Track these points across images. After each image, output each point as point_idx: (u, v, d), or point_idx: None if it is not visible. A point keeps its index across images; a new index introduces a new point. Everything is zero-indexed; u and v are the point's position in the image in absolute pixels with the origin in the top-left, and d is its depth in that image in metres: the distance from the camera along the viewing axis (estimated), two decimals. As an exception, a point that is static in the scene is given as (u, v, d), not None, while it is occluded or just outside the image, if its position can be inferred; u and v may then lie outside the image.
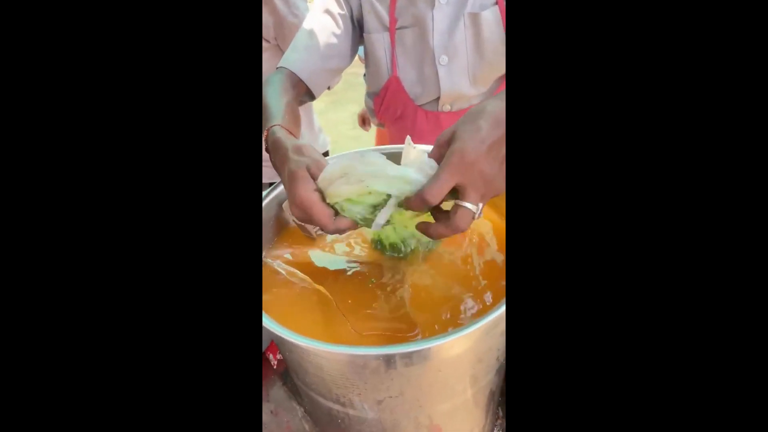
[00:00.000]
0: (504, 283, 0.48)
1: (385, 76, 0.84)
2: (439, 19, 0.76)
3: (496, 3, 0.74)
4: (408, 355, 0.36)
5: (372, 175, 0.42)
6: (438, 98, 0.83)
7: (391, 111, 0.88)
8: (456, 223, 0.40)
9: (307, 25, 0.78)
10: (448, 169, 0.38)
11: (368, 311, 0.46)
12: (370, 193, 0.43)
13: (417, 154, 0.42)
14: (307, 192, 0.44)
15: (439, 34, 0.77)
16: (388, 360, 0.37)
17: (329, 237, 0.59)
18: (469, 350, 0.41)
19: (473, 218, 0.40)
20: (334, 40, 0.77)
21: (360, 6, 0.80)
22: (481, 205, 0.40)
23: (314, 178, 0.45)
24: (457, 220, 0.39)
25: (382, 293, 0.48)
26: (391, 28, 0.79)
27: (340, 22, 0.78)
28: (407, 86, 0.84)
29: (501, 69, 0.80)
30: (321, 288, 0.50)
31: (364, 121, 1.61)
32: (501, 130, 0.39)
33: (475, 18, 0.74)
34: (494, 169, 0.39)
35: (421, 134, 0.87)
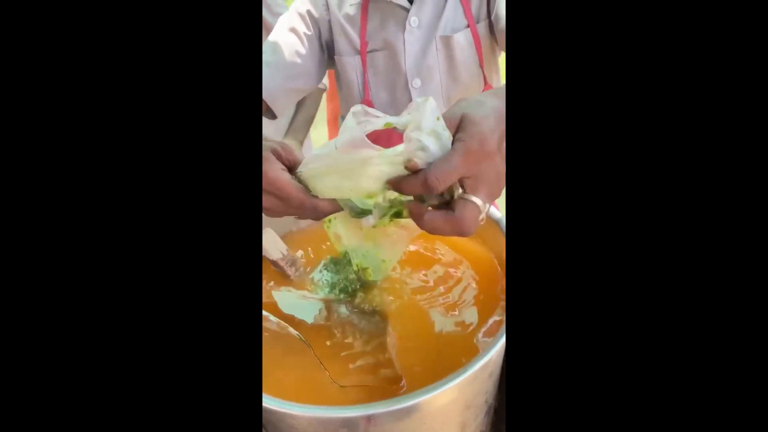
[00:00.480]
0: (494, 320, 0.46)
1: (358, 100, 0.82)
2: (410, 42, 0.75)
3: (468, 26, 0.74)
4: (391, 413, 0.33)
5: (364, 175, 0.36)
6: (412, 121, 0.82)
7: (364, 134, 0.86)
8: (462, 220, 0.32)
9: (270, 41, 0.75)
10: (466, 155, 0.32)
11: (350, 364, 0.42)
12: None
13: (433, 118, 0.33)
14: (275, 171, 0.37)
15: (411, 58, 0.76)
16: (369, 418, 0.33)
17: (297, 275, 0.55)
18: (457, 399, 0.37)
19: (480, 220, 0.33)
20: (298, 60, 0.75)
21: (330, 29, 0.78)
22: (488, 206, 0.34)
23: (283, 161, 0.40)
24: (465, 216, 0.32)
25: (363, 338, 0.45)
26: (362, 51, 0.78)
27: (306, 42, 0.76)
28: (380, 109, 0.82)
29: (475, 91, 0.79)
30: (297, 333, 0.46)
31: None
32: (503, 123, 0.34)
33: (447, 41, 0.74)
34: (502, 165, 0.34)
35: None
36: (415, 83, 0.77)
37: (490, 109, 0.34)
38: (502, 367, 0.46)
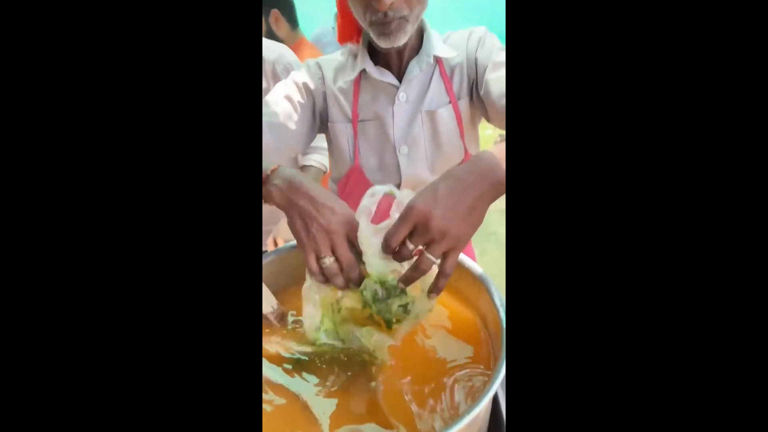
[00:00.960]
0: (481, 372, 0.48)
1: (348, 164, 0.88)
2: (398, 114, 0.82)
3: (450, 102, 0.82)
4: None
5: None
6: (399, 184, 0.87)
7: (353, 196, 0.91)
8: (417, 265, 0.49)
9: (266, 102, 0.81)
10: (402, 217, 0.48)
11: (341, 410, 0.43)
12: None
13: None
14: (351, 212, 0.53)
15: (399, 128, 0.83)
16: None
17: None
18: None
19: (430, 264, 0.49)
20: (289, 123, 0.80)
21: (324, 99, 0.85)
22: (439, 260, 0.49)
23: None
24: (419, 262, 0.48)
25: (354, 388, 0.46)
26: (354, 121, 0.84)
27: (299, 109, 0.82)
28: (369, 173, 0.88)
29: (456, 159, 0.86)
30: (285, 384, 0.47)
31: None
32: (459, 187, 0.47)
33: (431, 115, 0.81)
34: (447, 218, 0.46)
35: (383, 217, 0.89)
36: (403, 150, 0.84)
37: (442, 180, 0.48)
38: (489, 425, 0.48)
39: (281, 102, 0.81)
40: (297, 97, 0.82)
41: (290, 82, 0.84)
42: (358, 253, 0.51)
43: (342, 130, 0.85)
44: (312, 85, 0.84)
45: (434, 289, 0.50)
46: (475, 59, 0.80)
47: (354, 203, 0.92)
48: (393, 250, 0.48)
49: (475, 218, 0.48)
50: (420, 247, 0.48)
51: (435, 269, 0.50)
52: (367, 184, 0.88)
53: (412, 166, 0.85)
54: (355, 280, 0.51)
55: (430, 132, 0.83)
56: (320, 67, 0.86)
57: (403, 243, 0.48)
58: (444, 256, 0.48)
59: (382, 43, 0.74)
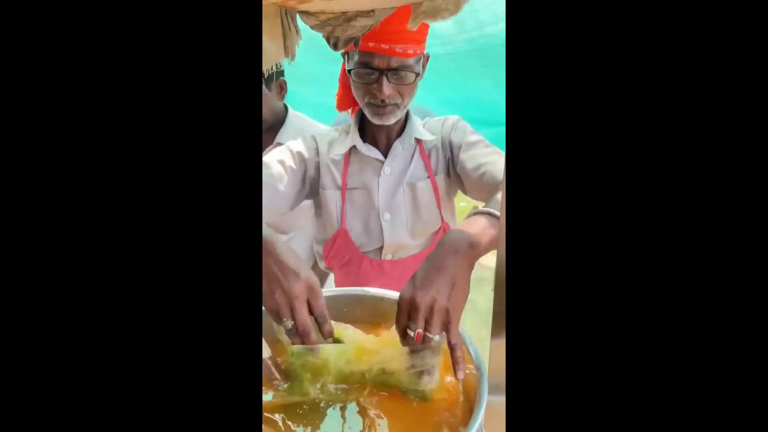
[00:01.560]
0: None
1: (335, 227, 0.96)
2: (383, 185, 0.92)
3: (428, 177, 0.93)
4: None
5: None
6: (381, 247, 0.95)
7: (338, 257, 0.98)
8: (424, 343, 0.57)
9: (263, 163, 0.88)
10: (397, 311, 0.58)
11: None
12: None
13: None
14: (315, 277, 0.58)
15: (383, 197, 0.92)
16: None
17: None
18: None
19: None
20: (279, 185, 0.88)
21: (316, 168, 0.95)
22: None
23: None
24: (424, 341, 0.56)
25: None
26: (343, 188, 0.94)
27: (291, 174, 0.90)
28: (354, 236, 0.95)
29: (434, 226, 0.95)
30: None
31: None
32: (433, 268, 0.56)
33: (412, 187, 0.92)
34: (429, 297, 0.54)
35: (366, 279, 0.96)
36: (386, 217, 0.93)
37: (417, 271, 0.58)
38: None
39: (274, 165, 0.89)
40: (290, 163, 0.91)
41: (285, 149, 0.94)
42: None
43: (331, 196, 0.94)
44: (306, 155, 0.94)
45: (455, 364, 0.55)
46: (450, 141, 0.92)
47: (339, 263, 0.99)
48: (404, 339, 0.56)
49: (458, 289, 0.55)
50: (419, 331, 0.54)
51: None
52: (352, 247, 0.95)
53: (394, 231, 0.93)
54: (325, 336, 0.58)
55: (410, 202, 0.93)
56: (315, 141, 0.96)
57: (406, 332, 0.55)
58: (445, 330, 0.55)
59: (375, 120, 0.86)
